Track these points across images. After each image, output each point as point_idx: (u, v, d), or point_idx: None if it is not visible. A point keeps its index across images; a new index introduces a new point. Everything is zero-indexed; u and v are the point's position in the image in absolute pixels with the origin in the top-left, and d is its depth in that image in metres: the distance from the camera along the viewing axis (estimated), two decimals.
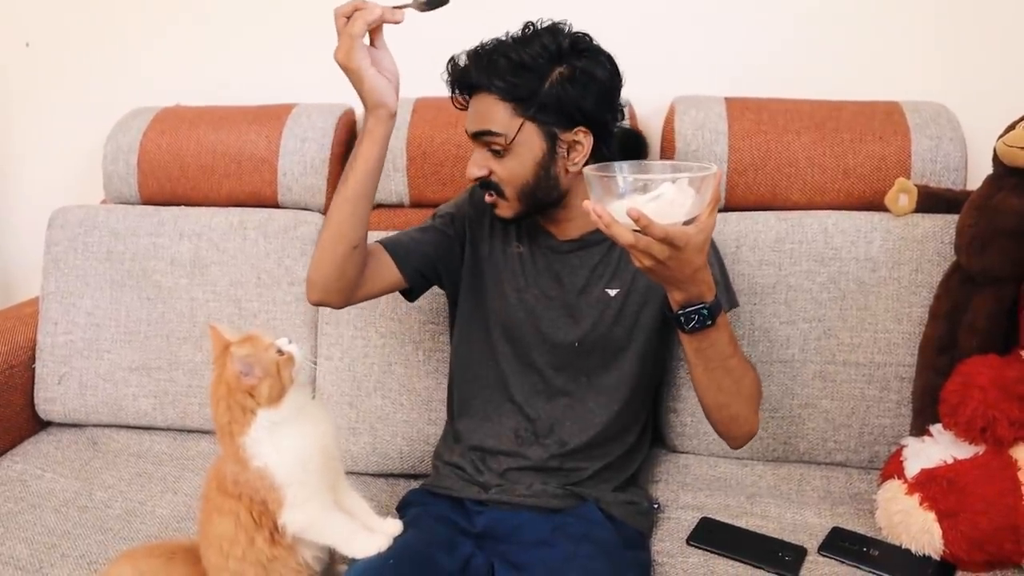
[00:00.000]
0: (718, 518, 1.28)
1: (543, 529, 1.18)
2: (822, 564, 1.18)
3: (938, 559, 1.16)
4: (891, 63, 1.62)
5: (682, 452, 1.47)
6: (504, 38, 1.19)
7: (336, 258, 1.18)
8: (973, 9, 1.58)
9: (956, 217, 1.35)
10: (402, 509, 1.28)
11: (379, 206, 1.64)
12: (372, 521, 1.12)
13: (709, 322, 1.04)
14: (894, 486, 1.23)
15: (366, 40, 1.10)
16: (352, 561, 1.08)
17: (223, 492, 1.07)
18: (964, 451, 1.20)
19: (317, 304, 1.25)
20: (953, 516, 1.14)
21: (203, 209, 1.65)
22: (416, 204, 1.62)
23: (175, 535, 1.31)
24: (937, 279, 1.37)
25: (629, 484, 1.31)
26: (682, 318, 1.04)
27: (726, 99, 1.55)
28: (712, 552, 1.21)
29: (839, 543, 1.21)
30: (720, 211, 1.51)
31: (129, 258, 1.62)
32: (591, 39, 1.20)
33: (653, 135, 1.62)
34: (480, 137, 1.19)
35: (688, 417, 1.44)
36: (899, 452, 1.28)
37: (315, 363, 1.53)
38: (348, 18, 1.08)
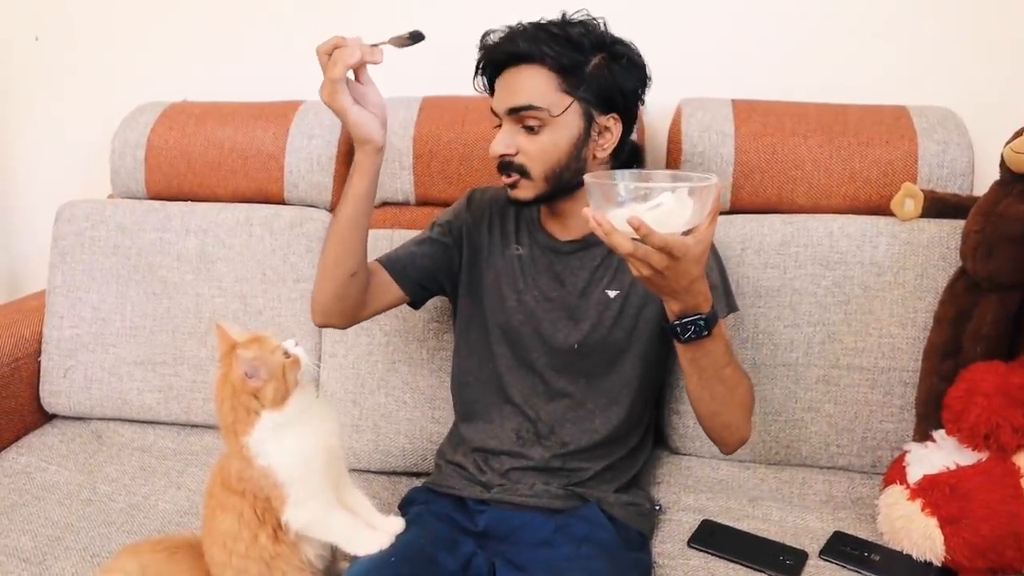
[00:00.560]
0: (719, 520, 1.28)
1: (545, 529, 1.18)
2: (823, 568, 1.18)
3: (939, 565, 1.16)
4: (898, 67, 1.61)
5: (684, 454, 1.47)
6: (542, 21, 1.20)
7: (336, 284, 1.22)
8: (981, 14, 1.57)
9: (962, 222, 1.34)
10: (404, 507, 1.28)
11: (385, 204, 1.64)
12: (374, 519, 1.12)
13: (705, 333, 1.04)
14: (896, 491, 1.22)
15: (350, 75, 1.11)
16: (354, 558, 1.08)
17: (227, 488, 1.07)
18: (967, 457, 1.20)
19: (322, 326, 1.29)
20: (955, 522, 1.14)
21: (209, 205, 1.65)
22: (422, 202, 1.63)
23: (178, 530, 1.32)
24: (942, 284, 1.37)
25: (631, 485, 1.31)
26: (678, 328, 1.04)
27: (733, 101, 1.54)
28: (713, 555, 1.21)
29: (840, 547, 1.21)
30: (725, 213, 1.51)
31: (135, 253, 1.63)
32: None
33: (659, 137, 1.62)
34: (517, 112, 1.17)
35: (691, 419, 1.44)
36: (902, 457, 1.28)
37: (319, 365, 1.53)
38: (329, 55, 1.09)
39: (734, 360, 1.14)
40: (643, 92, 1.25)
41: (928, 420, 1.31)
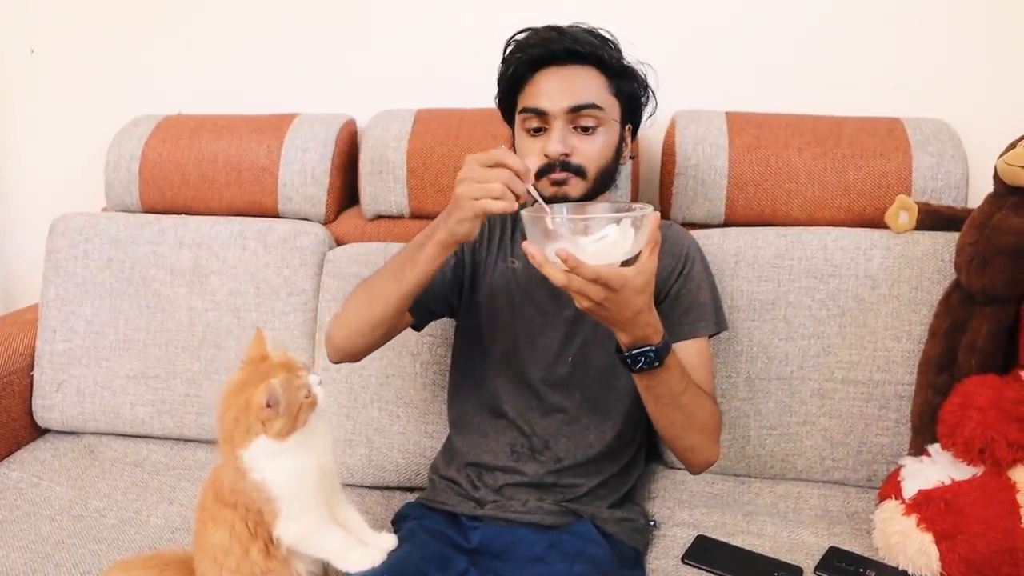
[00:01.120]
0: (714, 536, 1.27)
1: (538, 546, 1.17)
2: None
3: None
4: (893, 79, 1.61)
5: (679, 469, 1.45)
6: (581, 25, 1.23)
7: (372, 335, 1.22)
8: (976, 26, 1.57)
9: (957, 235, 1.34)
10: (397, 522, 1.27)
11: (379, 217, 1.64)
12: (366, 535, 1.11)
13: (656, 364, 1.04)
14: (891, 506, 1.22)
15: None
16: (345, 575, 1.08)
17: (220, 501, 1.06)
18: (962, 472, 1.20)
19: (337, 363, 1.29)
20: (951, 538, 1.13)
21: (203, 218, 1.65)
22: (416, 215, 1.62)
23: (169, 546, 1.31)
24: (937, 297, 1.36)
25: (625, 501, 1.31)
26: (629, 360, 1.04)
27: (727, 113, 1.54)
28: (707, 571, 1.21)
29: (835, 563, 1.21)
30: (720, 226, 1.51)
31: (129, 266, 1.62)
32: None
33: (654, 149, 1.62)
34: (579, 110, 1.17)
35: None
36: (897, 472, 1.27)
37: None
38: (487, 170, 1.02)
39: (692, 387, 1.13)
40: (644, 109, 1.30)
41: (923, 434, 1.31)
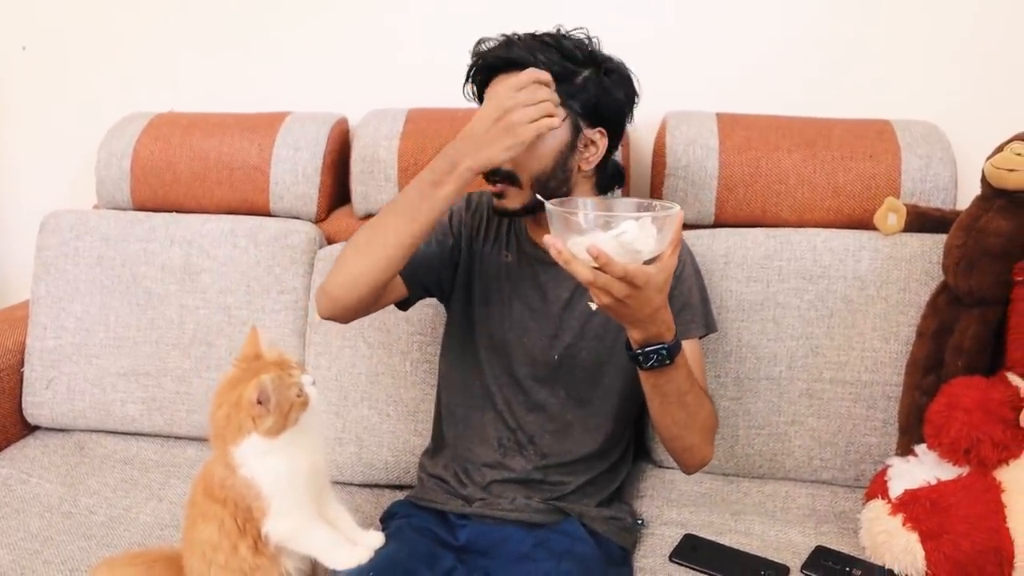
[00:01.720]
0: (702, 535, 1.28)
1: (525, 544, 1.18)
2: None
3: None
4: (882, 82, 1.62)
5: (668, 467, 1.46)
6: (537, 32, 1.20)
7: (375, 283, 1.15)
8: (965, 29, 1.58)
9: (945, 237, 1.35)
10: (386, 520, 1.28)
11: (370, 215, 1.64)
12: (355, 533, 1.12)
13: (668, 361, 1.04)
14: (878, 506, 1.22)
15: None
16: (333, 573, 1.08)
17: (209, 496, 1.06)
18: (948, 472, 1.20)
19: (327, 318, 1.22)
20: (936, 537, 1.14)
21: (194, 216, 1.65)
22: None
23: (158, 543, 1.31)
24: (925, 299, 1.37)
25: (613, 499, 1.31)
26: (641, 357, 1.04)
27: (717, 115, 1.55)
28: (695, 569, 1.21)
29: (822, 562, 1.21)
30: (709, 227, 1.52)
31: (120, 264, 1.62)
32: None
33: (644, 150, 1.63)
34: None
35: None
36: (883, 472, 1.28)
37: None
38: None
39: (696, 386, 1.14)
40: (631, 110, 1.26)
41: (910, 434, 1.31)
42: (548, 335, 1.26)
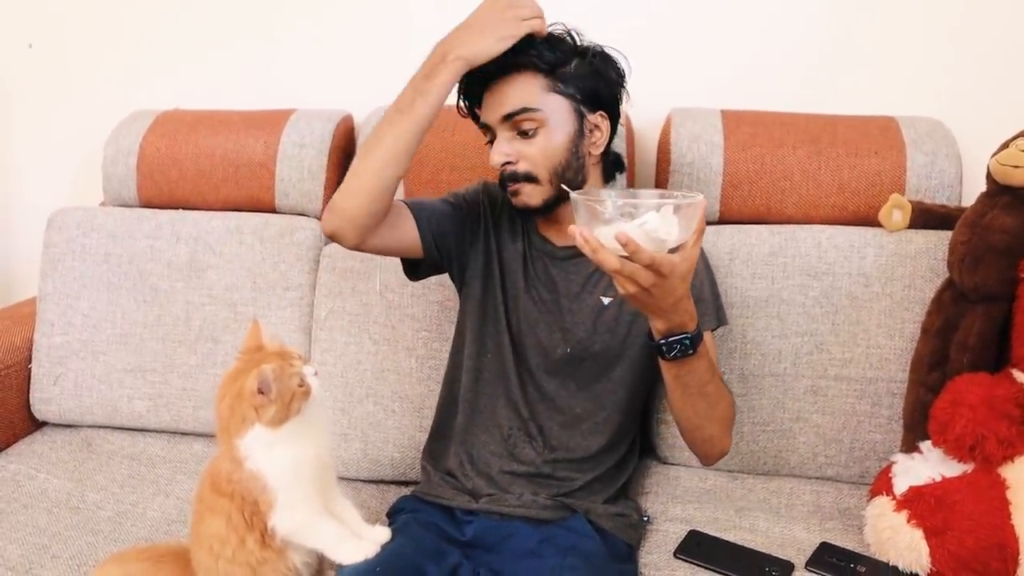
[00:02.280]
0: (706, 531, 1.28)
1: (531, 540, 1.18)
2: None
3: None
4: (887, 78, 1.62)
5: (673, 464, 1.47)
6: None
7: (377, 186, 1.15)
8: (971, 25, 1.58)
9: (950, 234, 1.35)
10: (392, 516, 1.28)
11: None
12: (361, 528, 1.12)
13: (691, 351, 1.04)
14: (882, 502, 1.22)
15: None
16: (339, 567, 1.08)
17: (217, 491, 1.07)
18: (953, 469, 1.20)
19: (330, 234, 1.20)
20: (940, 534, 1.14)
21: (200, 213, 1.66)
22: None
23: (165, 538, 1.32)
24: (930, 295, 1.37)
25: (619, 496, 1.31)
26: (664, 347, 1.04)
27: (722, 111, 1.55)
28: (699, 566, 1.21)
29: (827, 559, 1.21)
30: (714, 223, 1.52)
31: (126, 260, 1.63)
32: None
33: (649, 146, 1.63)
34: (512, 118, 1.19)
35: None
36: (888, 468, 1.28)
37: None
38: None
39: (717, 376, 1.14)
40: (624, 87, 1.27)
41: (915, 431, 1.31)
42: (559, 328, 1.27)
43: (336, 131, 1.66)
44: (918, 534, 1.15)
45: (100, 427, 1.64)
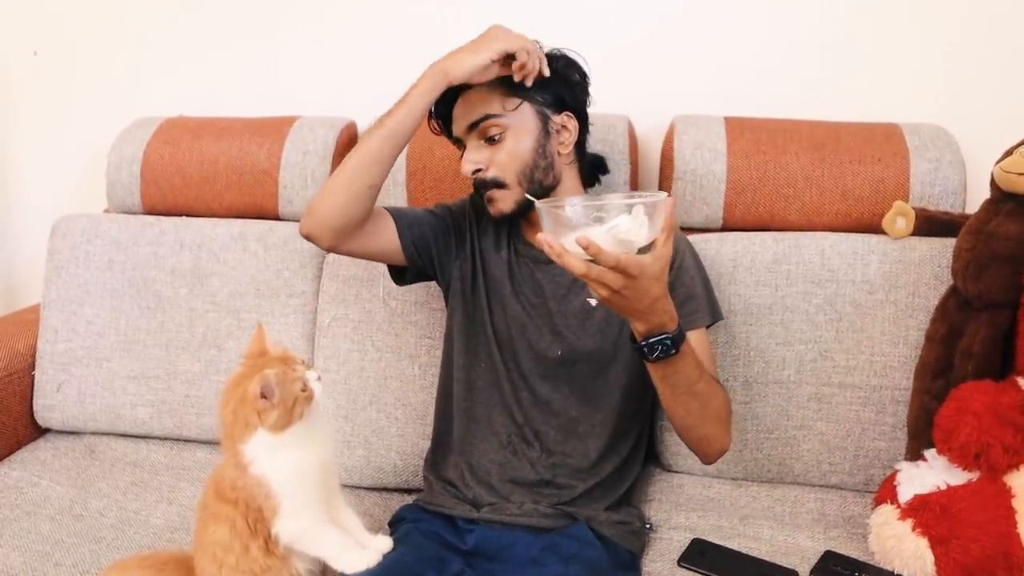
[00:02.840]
0: (710, 539, 1.27)
1: (533, 548, 1.18)
2: None
3: None
4: (891, 85, 1.62)
5: (676, 471, 1.46)
6: None
7: (349, 193, 1.19)
8: (974, 32, 1.58)
9: (954, 240, 1.34)
10: (394, 524, 1.28)
11: None
12: (363, 537, 1.12)
13: (673, 352, 1.04)
14: (887, 511, 1.22)
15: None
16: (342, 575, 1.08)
17: (221, 498, 1.07)
18: (958, 477, 1.20)
19: (307, 236, 1.23)
20: (946, 542, 1.13)
21: (204, 220, 1.66)
22: None
23: (168, 546, 1.32)
24: (934, 303, 1.36)
25: (622, 503, 1.31)
26: (645, 349, 1.04)
27: (726, 118, 1.55)
28: (703, 574, 1.21)
29: (831, 567, 1.21)
30: (718, 231, 1.52)
31: (130, 267, 1.63)
32: None
33: (652, 154, 1.63)
34: (478, 126, 1.22)
35: None
36: (892, 477, 1.27)
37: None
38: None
39: (705, 375, 1.14)
40: (586, 87, 1.29)
41: (919, 439, 1.31)
42: (549, 332, 1.27)
43: (339, 138, 1.67)
44: (923, 543, 1.15)
45: (103, 434, 1.64)
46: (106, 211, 1.79)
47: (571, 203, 0.96)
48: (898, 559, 1.17)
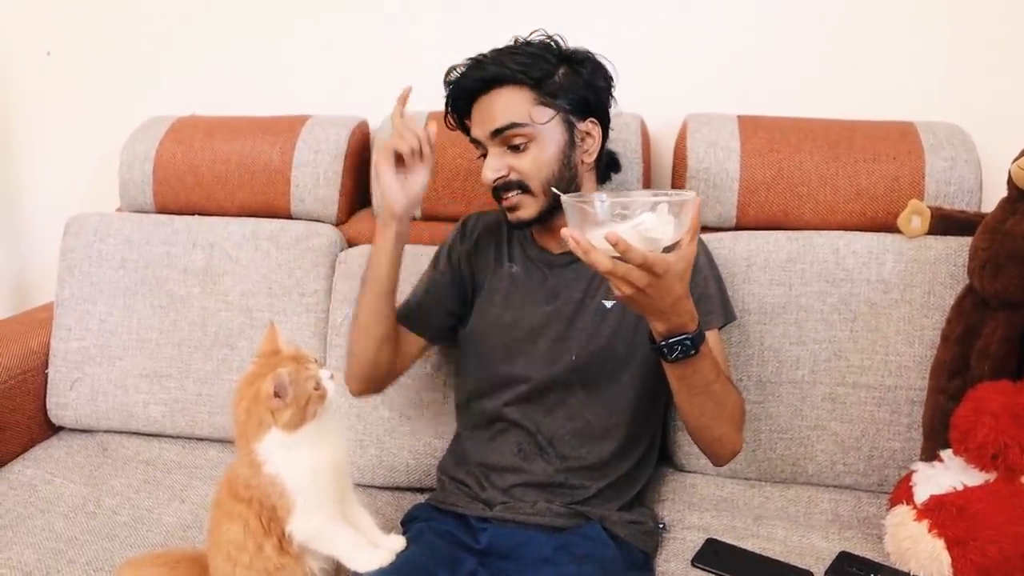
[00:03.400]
0: (724, 539, 1.27)
1: (546, 548, 1.18)
2: None
3: None
4: (906, 83, 1.61)
5: (689, 472, 1.45)
6: (498, 47, 1.23)
7: (367, 353, 1.27)
8: (990, 30, 1.57)
9: (970, 239, 1.34)
10: (407, 523, 1.28)
11: None
12: (376, 536, 1.12)
13: (693, 352, 1.03)
14: (903, 511, 1.21)
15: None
16: (355, 575, 1.08)
17: (234, 497, 1.07)
18: (975, 478, 1.19)
19: (359, 396, 1.35)
20: (962, 544, 1.13)
21: (216, 219, 1.66)
22: (429, 217, 1.63)
23: (181, 544, 1.32)
24: (949, 302, 1.36)
25: (635, 503, 1.31)
26: (665, 349, 1.03)
27: (739, 117, 1.54)
28: (716, 574, 1.20)
29: (846, 568, 1.20)
30: (731, 229, 1.51)
31: (143, 266, 1.63)
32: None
33: (665, 152, 1.62)
34: (501, 133, 1.19)
35: None
36: (908, 477, 1.27)
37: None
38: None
39: (722, 375, 1.13)
40: (612, 92, 1.28)
41: (935, 439, 1.30)
42: (563, 336, 1.26)
43: (351, 137, 1.67)
44: (940, 544, 1.14)
45: (116, 432, 1.64)
46: (118, 210, 1.79)
47: (599, 198, 0.95)
48: (914, 560, 1.17)
